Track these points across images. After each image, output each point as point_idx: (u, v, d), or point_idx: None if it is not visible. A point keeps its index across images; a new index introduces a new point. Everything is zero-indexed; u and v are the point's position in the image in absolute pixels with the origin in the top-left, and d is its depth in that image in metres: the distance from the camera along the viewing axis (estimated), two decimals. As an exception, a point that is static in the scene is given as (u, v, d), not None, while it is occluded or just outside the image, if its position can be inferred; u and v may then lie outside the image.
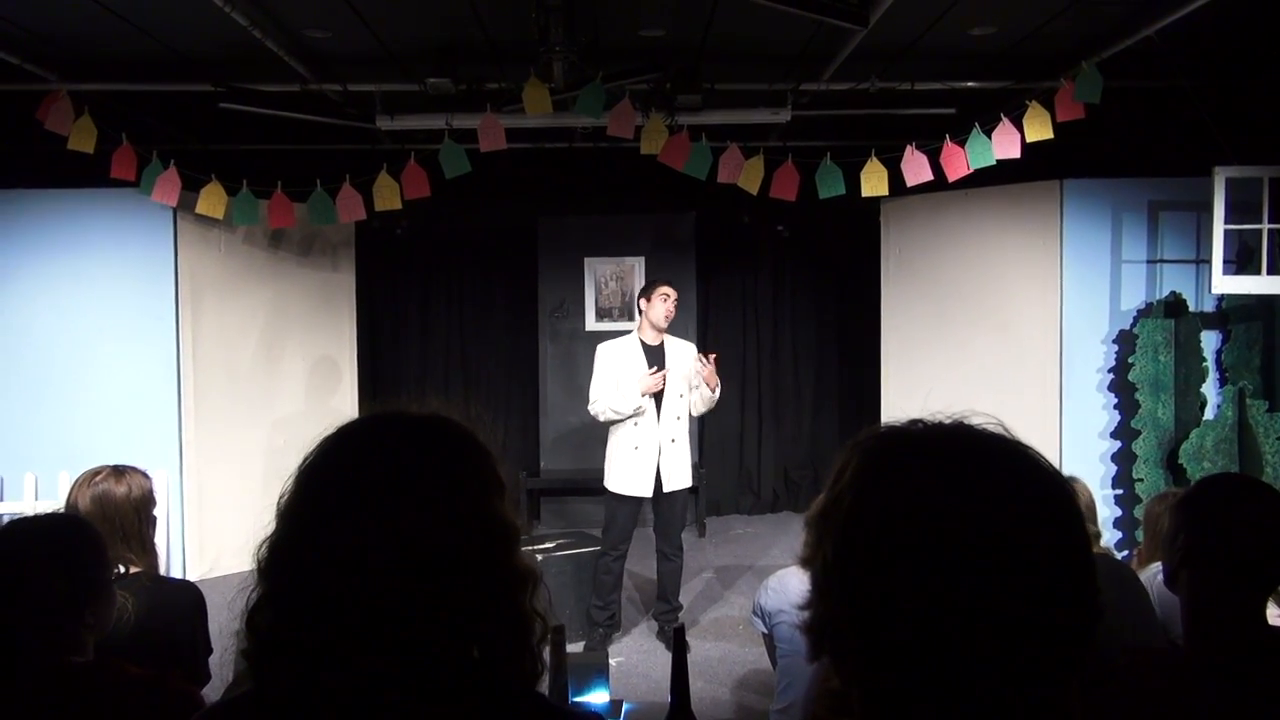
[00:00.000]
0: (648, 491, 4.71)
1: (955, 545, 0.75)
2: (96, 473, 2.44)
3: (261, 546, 1.00)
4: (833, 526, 0.82)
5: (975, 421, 0.84)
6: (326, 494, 0.98)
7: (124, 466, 2.49)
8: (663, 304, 4.71)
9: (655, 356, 4.76)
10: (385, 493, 0.96)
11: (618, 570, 4.82)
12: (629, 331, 4.89)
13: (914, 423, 0.85)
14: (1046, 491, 0.79)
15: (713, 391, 4.75)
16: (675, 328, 7.45)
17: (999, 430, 0.83)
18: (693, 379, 4.81)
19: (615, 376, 4.72)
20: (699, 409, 4.87)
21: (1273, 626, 1.54)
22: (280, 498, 1.01)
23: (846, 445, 0.86)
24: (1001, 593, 0.74)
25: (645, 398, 4.68)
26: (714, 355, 4.79)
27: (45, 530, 1.69)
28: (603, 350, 4.83)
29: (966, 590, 0.74)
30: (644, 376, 4.66)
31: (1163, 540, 1.65)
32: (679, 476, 4.78)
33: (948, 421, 0.85)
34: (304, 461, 1.01)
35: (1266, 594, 1.52)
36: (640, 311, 4.83)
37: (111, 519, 2.34)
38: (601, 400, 4.74)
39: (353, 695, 0.93)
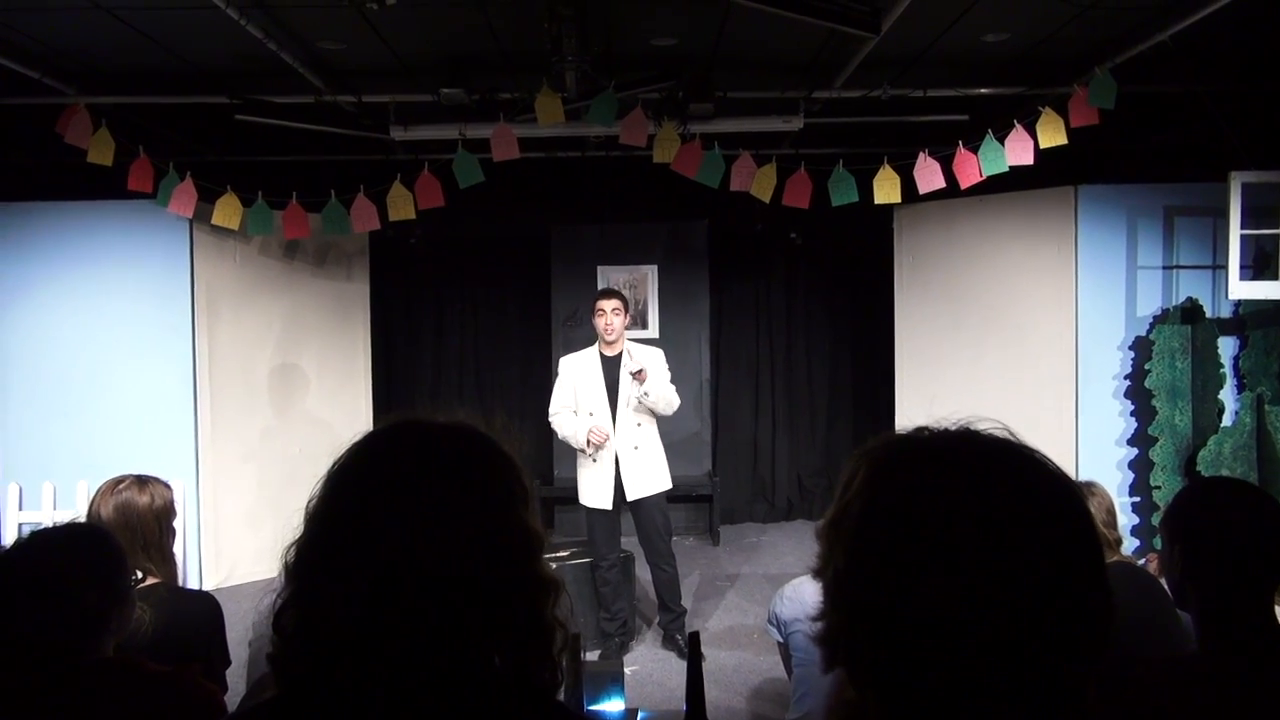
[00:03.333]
0: (607, 503, 4.65)
1: (964, 551, 0.75)
2: (119, 482, 2.45)
3: (289, 549, 1.00)
4: (843, 536, 0.82)
5: (981, 427, 0.84)
6: (356, 500, 0.99)
7: (146, 476, 2.50)
8: (600, 319, 4.70)
9: (611, 367, 4.73)
10: (413, 500, 0.96)
11: (614, 579, 4.78)
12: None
13: (920, 430, 0.85)
14: (1053, 494, 0.79)
15: (641, 385, 4.55)
16: (689, 334, 7.40)
17: (1005, 435, 0.84)
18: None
19: (573, 389, 4.76)
20: (658, 409, 4.68)
21: None
22: (309, 501, 1.01)
23: (854, 454, 0.86)
24: (1012, 597, 0.74)
25: (602, 409, 4.66)
26: (641, 371, 4.58)
27: (73, 540, 1.71)
28: (562, 363, 4.88)
29: (977, 596, 0.74)
30: (592, 431, 4.61)
31: (1161, 560, 1.64)
32: (645, 483, 4.67)
33: (954, 428, 0.85)
34: (334, 466, 1.02)
35: (1273, 592, 1.51)
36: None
37: (134, 528, 2.36)
38: (558, 417, 4.79)
39: (376, 701, 0.93)
